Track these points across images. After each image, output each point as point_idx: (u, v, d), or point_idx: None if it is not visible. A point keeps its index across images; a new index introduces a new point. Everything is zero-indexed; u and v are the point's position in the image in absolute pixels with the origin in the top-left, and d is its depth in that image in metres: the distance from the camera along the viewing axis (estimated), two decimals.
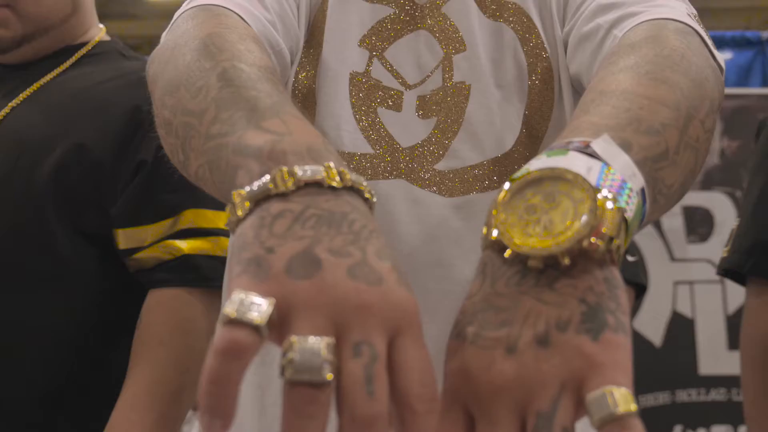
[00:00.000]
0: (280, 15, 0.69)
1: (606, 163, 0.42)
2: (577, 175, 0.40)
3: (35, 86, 1.08)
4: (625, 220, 0.40)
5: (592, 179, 0.40)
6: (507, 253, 0.40)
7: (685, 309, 2.56)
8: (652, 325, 2.54)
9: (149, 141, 0.97)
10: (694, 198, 2.61)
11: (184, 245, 1.00)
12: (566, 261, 0.39)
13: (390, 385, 0.36)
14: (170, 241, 0.99)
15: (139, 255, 1.00)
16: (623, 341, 0.38)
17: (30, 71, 1.10)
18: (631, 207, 0.41)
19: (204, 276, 0.99)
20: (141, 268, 1.00)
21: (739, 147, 2.68)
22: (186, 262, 0.99)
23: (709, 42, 0.62)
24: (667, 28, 0.59)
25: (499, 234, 0.41)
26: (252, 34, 0.60)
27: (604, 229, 0.39)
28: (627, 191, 0.41)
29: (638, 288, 2.11)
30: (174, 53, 0.57)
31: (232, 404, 0.35)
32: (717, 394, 2.49)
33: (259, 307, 0.35)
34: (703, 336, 2.53)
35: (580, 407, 0.37)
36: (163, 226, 1.00)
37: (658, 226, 2.59)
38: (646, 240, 2.55)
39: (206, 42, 0.56)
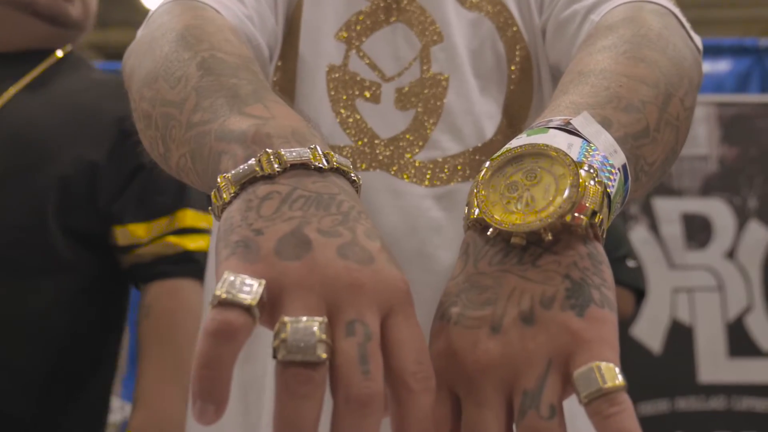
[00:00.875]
0: (257, 9, 0.69)
1: (587, 140, 0.41)
2: (558, 151, 0.40)
3: (28, 78, 1.09)
4: (607, 195, 0.40)
5: (574, 155, 0.40)
6: (490, 232, 0.40)
7: (684, 316, 2.55)
8: (651, 332, 2.53)
9: (132, 149, 1.03)
10: (693, 205, 2.61)
11: (183, 241, 1.09)
12: (549, 237, 0.38)
13: (384, 365, 0.35)
14: (170, 237, 1.08)
15: (139, 251, 1.07)
16: (609, 316, 0.37)
17: (25, 61, 1.12)
18: (613, 183, 0.41)
19: (203, 269, 1.03)
20: (138, 263, 1.08)
21: (737, 154, 2.68)
22: (186, 256, 1.08)
23: (686, 23, 0.62)
24: (644, 9, 0.60)
25: (480, 212, 0.40)
26: (229, 26, 0.60)
27: (586, 204, 0.38)
28: (609, 167, 0.41)
29: (638, 294, 2.10)
30: (151, 46, 0.57)
31: (225, 389, 0.34)
32: (716, 402, 2.48)
33: (250, 288, 0.34)
34: (703, 343, 2.52)
35: (567, 385, 0.36)
36: (159, 224, 1.08)
37: (656, 232, 2.58)
38: (644, 247, 2.54)
39: (183, 34, 0.55)
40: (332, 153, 0.41)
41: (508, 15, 0.74)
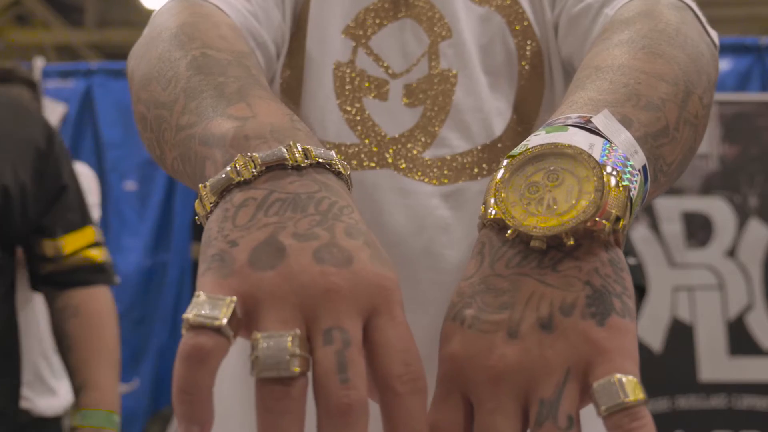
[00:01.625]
0: (262, 6, 0.68)
1: (608, 140, 0.40)
2: (581, 151, 0.39)
3: None
4: (630, 198, 0.39)
5: (595, 155, 0.39)
6: (509, 233, 0.39)
7: (684, 315, 2.54)
8: (652, 331, 2.52)
9: (65, 167, 1.33)
10: (693, 203, 2.60)
11: (98, 254, 1.37)
12: (571, 241, 0.37)
13: (370, 369, 0.34)
14: (87, 251, 1.35)
15: (63, 261, 1.33)
16: (630, 326, 0.36)
17: None
18: (634, 185, 0.40)
19: (111, 277, 1.40)
20: (59, 271, 1.33)
21: (738, 153, 2.67)
22: (99, 267, 1.37)
23: (703, 18, 0.61)
24: (660, 3, 0.58)
25: (498, 212, 0.39)
26: (227, 21, 0.59)
27: (610, 209, 0.37)
28: (630, 169, 0.40)
29: (639, 291, 2.10)
30: (148, 47, 0.57)
31: (206, 409, 0.34)
32: (717, 401, 2.48)
33: (221, 308, 0.33)
34: (703, 342, 2.52)
35: (584, 395, 0.35)
36: (76, 238, 1.34)
37: (656, 231, 2.58)
38: (644, 245, 2.54)
39: (177, 32, 0.55)
40: (311, 148, 0.40)
41: (519, 9, 0.73)
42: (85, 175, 2.32)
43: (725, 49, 3.30)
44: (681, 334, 2.53)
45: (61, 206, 1.32)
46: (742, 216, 2.59)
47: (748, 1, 5.34)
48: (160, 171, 3.52)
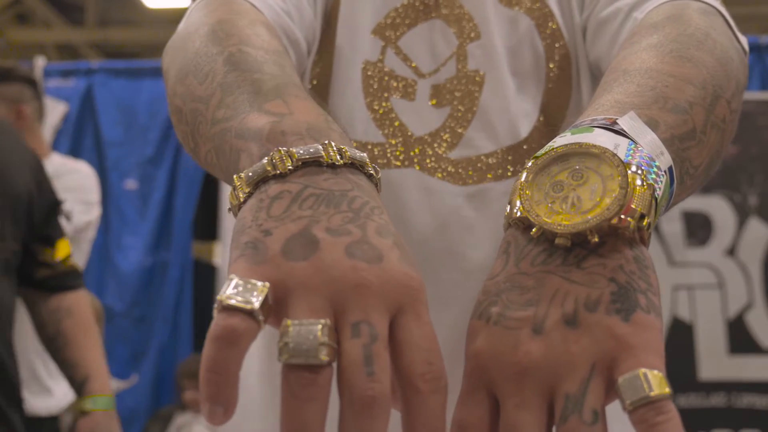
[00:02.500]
0: (295, 4, 0.69)
1: (633, 141, 0.41)
2: (605, 150, 0.39)
3: None
4: (654, 197, 0.39)
5: (620, 156, 0.39)
6: (533, 231, 0.39)
7: (684, 313, 2.55)
8: None
9: (51, 184, 1.54)
10: (693, 202, 2.60)
11: (76, 262, 1.57)
12: (595, 239, 0.38)
13: (393, 365, 0.35)
14: (70, 259, 1.54)
15: (56, 267, 1.50)
16: (655, 322, 0.36)
17: None
18: (659, 185, 0.40)
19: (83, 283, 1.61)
20: (53, 275, 1.50)
21: (738, 151, 2.68)
22: (80, 273, 1.57)
23: (732, 23, 0.61)
24: (690, 8, 0.59)
25: (524, 211, 0.40)
26: (262, 20, 0.60)
27: (634, 206, 0.38)
28: (655, 169, 0.40)
29: None
30: (185, 42, 0.58)
31: (232, 391, 0.34)
32: (717, 399, 2.48)
33: (254, 292, 0.34)
34: (703, 341, 2.52)
35: (610, 390, 0.36)
36: (61, 246, 1.52)
37: (656, 229, 2.58)
38: None
39: (215, 28, 0.56)
40: (346, 148, 0.41)
41: (548, 12, 0.73)
42: (85, 173, 2.31)
43: None
44: (681, 333, 2.54)
45: (56, 218, 1.53)
46: (742, 215, 2.60)
47: (747, 0, 5.34)
48: (161, 170, 3.53)
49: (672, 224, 2.58)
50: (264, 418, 0.69)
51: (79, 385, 1.49)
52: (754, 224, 2.59)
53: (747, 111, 2.73)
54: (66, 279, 1.53)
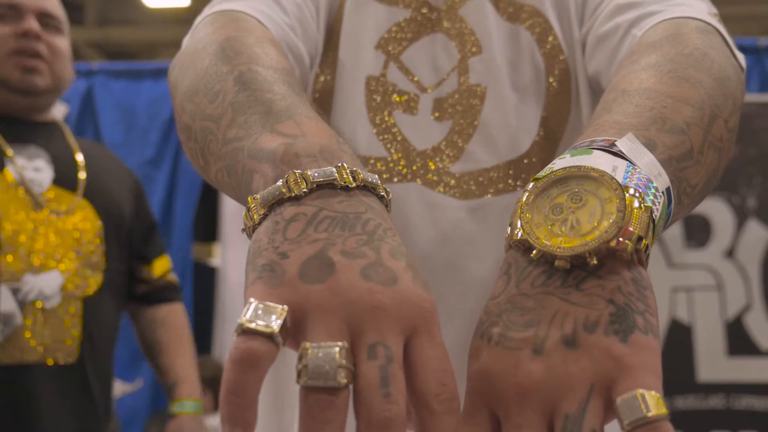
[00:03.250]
0: (300, 19, 0.69)
1: (631, 162, 0.41)
2: (603, 174, 0.40)
3: (76, 149, 1.55)
4: (652, 219, 0.40)
5: (618, 178, 0.40)
6: (533, 254, 0.40)
7: (683, 315, 2.55)
8: None
9: (148, 206, 1.69)
10: None
11: (174, 277, 1.71)
12: (594, 261, 0.38)
13: (408, 386, 0.36)
14: (168, 275, 1.69)
15: (155, 283, 1.65)
16: (653, 343, 0.37)
17: (49, 131, 1.54)
18: (657, 206, 0.41)
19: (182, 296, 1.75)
20: (151, 290, 1.66)
21: (736, 154, 2.68)
22: (178, 287, 1.72)
23: (730, 41, 0.61)
24: (687, 27, 0.59)
25: (524, 234, 0.40)
26: (270, 37, 0.61)
27: (632, 229, 0.38)
28: (653, 190, 0.41)
29: None
30: (193, 58, 0.58)
31: (252, 413, 0.35)
32: (715, 401, 2.49)
33: (273, 315, 0.35)
34: (702, 342, 2.53)
35: (608, 410, 0.36)
36: (160, 263, 1.67)
37: None
38: None
39: (224, 46, 0.56)
40: (359, 170, 0.41)
41: (548, 27, 0.74)
42: None
43: None
44: (679, 335, 2.54)
45: (154, 238, 1.67)
46: (741, 217, 2.60)
47: (746, 1, 5.34)
48: (161, 171, 3.53)
49: (671, 226, 2.58)
50: (266, 425, 0.70)
51: (168, 389, 1.60)
52: (753, 226, 2.59)
53: (745, 113, 2.72)
54: (163, 293, 1.67)
